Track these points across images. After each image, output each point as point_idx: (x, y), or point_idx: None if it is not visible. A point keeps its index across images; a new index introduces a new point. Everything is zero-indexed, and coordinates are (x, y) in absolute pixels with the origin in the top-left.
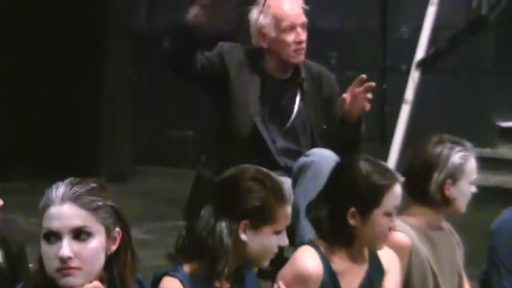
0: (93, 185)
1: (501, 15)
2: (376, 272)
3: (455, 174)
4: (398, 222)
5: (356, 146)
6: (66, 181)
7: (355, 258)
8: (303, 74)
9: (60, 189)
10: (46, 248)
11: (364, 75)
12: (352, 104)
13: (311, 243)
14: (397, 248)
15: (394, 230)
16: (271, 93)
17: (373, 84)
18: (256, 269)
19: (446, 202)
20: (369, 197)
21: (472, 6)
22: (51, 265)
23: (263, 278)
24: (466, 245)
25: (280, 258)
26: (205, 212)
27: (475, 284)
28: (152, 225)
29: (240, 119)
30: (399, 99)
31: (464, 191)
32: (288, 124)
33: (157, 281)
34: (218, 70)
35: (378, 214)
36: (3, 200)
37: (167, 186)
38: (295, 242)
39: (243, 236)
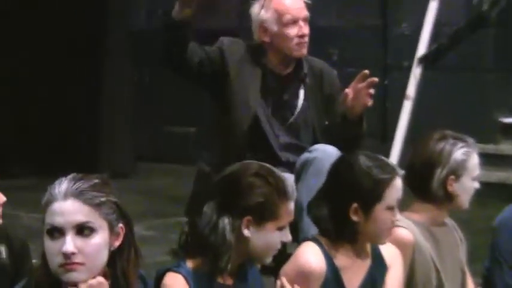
0: (96, 180)
1: (502, 11)
2: (378, 267)
3: (457, 171)
4: (401, 218)
5: (357, 142)
6: (69, 177)
7: (358, 254)
8: (305, 69)
9: (63, 185)
10: (49, 244)
11: (366, 71)
12: (354, 100)
13: (314, 239)
14: (400, 244)
15: (397, 223)
16: (273, 88)
17: (375, 79)
18: (259, 265)
19: (449, 198)
20: (371, 192)
21: (473, 3)
22: (55, 261)
23: (266, 274)
24: (469, 241)
25: (283, 255)
26: (208, 208)
27: (478, 280)
28: (155, 221)
29: (240, 113)
30: (401, 96)
31: (466, 187)
32: (292, 119)
33: (160, 277)
34: (218, 66)
35: (380, 209)
36: (6, 196)
37: (169, 183)
38: (298, 238)
39: (246, 232)
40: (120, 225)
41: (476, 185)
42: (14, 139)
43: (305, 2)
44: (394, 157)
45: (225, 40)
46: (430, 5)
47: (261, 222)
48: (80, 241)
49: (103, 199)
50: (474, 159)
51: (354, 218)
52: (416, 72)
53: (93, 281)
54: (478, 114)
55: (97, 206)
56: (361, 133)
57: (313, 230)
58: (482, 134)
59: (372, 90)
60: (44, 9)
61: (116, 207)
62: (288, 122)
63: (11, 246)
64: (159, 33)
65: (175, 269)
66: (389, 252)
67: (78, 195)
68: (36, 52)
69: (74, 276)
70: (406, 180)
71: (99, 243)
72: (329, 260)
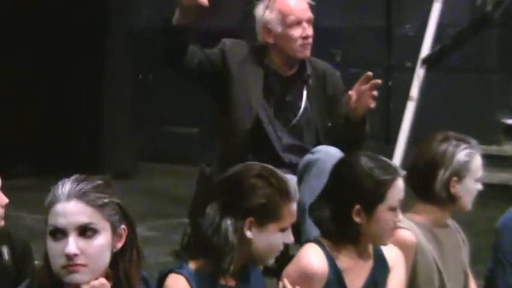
0: (99, 182)
1: (505, 12)
2: (380, 269)
3: (460, 172)
4: (404, 219)
5: (360, 144)
6: (72, 178)
7: (360, 255)
8: (309, 71)
9: (66, 186)
10: (52, 245)
11: (370, 73)
12: (357, 102)
13: (316, 240)
14: (403, 246)
15: (399, 225)
16: (275, 89)
17: (379, 81)
18: (261, 267)
19: (451, 200)
20: (373, 193)
21: (476, 3)
22: (57, 262)
23: (268, 275)
24: (471, 242)
25: (286, 256)
26: (211, 210)
27: (480, 281)
28: (157, 222)
29: (242, 115)
30: (404, 97)
31: (469, 189)
32: (294, 121)
33: (162, 278)
34: (219, 67)
35: (382, 209)
36: (8, 197)
37: (171, 184)
38: (301, 239)
39: (248, 234)
40: (123, 226)
41: (479, 186)
42: (14, 139)
43: (309, 3)
44: (398, 158)
45: (227, 42)
46: (434, 6)
47: (263, 224)
48: (82, 242)
49: (106, 200)
50: (477, 161)
51: (357, 219)
52: (419, 73)
53: (95, 283)
54: (481, 116)
55: (100, 207)
56: (364, 135)
57: (315, 231)
58: (485, 135)
59: (375, 93)
60: (44, 9)
61: (119, 208)
62: (291, 123)
63: (13, 247)
64: (160, 34)
65: (178, 270)
66: (391, 253)
67: (81, 196)
68: (36, 52)
69: (76, 277)
70: (409, 181)
71: (102, 244)
72: (331, 261)
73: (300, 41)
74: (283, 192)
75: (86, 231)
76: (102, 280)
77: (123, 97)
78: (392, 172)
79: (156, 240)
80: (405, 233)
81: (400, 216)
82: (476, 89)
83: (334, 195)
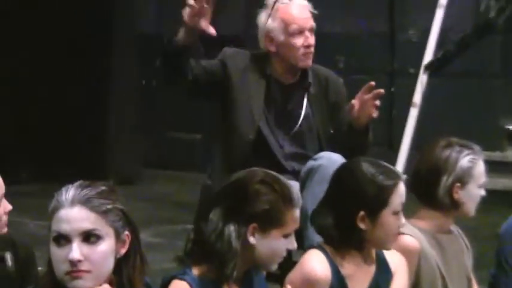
0: (103, 188)
1: (509, 18)
2: (383, 274)
3: (463, 178)
4: (407, 225)
5: (363, 151)
6: (76, 184)
7: (363, 260)
8: (310, 79)
9: (69, 192)
10: (55, 251)
11: (372, 82)
12: (360, 111)
13: (319, 247)
14: (406, 252)
15: (403, 231)
16: (277, 98)
17: (381, 91)
18: (264, 273)
19: (455, 206)
20: (377, 199)
21: (480, 9)
22: (61, 268)
23: (271, 281)
24: (475, 248)
25: (289, 262)
26: (214, 216)
27: (484, 287)
28: (160, 228)
29: (243, 124)
30: (407, 103)
31: (473, 195)
32: (295, 128)
33: (166, 284)
34: (219, 77)
35: (386, 214)
36: (11, 203)
37: (175, 190)
38: (304, 245)
39: (252, 240)
40: (126, 232)
41: (482, 192)
42: (17, 144)
43: (311, 12)
44: (401, 164)
45: (227, 51)
46: (437, 12)
47: (266, 230)
48: (86, 248)
49: (110, 206)
50: (480, 167)
51: (361, 225)
52: (422, 79)
53: None
54: (484, 122)
55: (104, 214)
56: (367, 143)
57: (318, 237)
58: (488, 141)
59: (377, 102)
60: (44, 9)
61: (122, 214)
62: (292, 131)
63: (17, 253)
64: (168, 37)
65: (181, 276)
66: (393, 258)
67: (85, 202)
68: (36, 53)
69: (80, 283)
70: (412, 187)
71: (106, 250)
72: (334, 267)
73: (302, 50)
74: (287, 198)
75: (89, 237)
76: (106, 286)
77: (130, 101)
78: (395, 177)
79: (160, 246)
80: (408, 239)
81: (404, 221)
82: (480, 95)
83: (337, 202)
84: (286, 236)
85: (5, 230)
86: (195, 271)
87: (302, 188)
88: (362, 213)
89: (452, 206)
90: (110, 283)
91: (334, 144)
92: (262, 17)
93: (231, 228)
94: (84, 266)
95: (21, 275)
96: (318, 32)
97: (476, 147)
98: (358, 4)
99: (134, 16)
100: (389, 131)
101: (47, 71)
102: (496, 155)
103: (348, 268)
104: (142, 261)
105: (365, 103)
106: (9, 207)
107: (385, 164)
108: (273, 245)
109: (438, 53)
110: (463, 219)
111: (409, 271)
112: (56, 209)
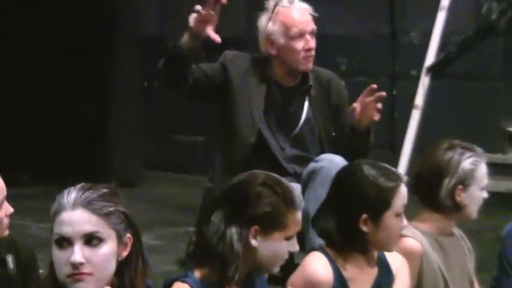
0: (105, 190)
1: (510, 20)
2: (385, 276)
3: (466, 180)
4: (409, 228)
5: (365, 153)
6: (78, 186)
7: (365, 263)
8: (311, 81)
9: (71, 195)
10: (57, 254)
11: (374, 85)
12: (361, 114)
13: (321, 249)
14: (408, 254)
15: (405, 233)
16: (277, 100)
17: (383, 94)
18: (266, 275)
19: (457, 208)
20: (380, 202)
21: (481, 11)
22: (63, 271)
23: (273, 284)
24: (477, 250)
25: (291, 264)
26: (216, 218)
27: None
28: (162, 231)
29: (244, 127)
30: (409, 105)
31: (475, 197)
32: (296, 131)
33: (167, 286)
34: (219, 80)
35: (389, 216)
36: (13, 205)
37: (177, 192)
38: (306, 247)
39: (254, 242)
40: (128, 235)
41: (485, 194)
42: (20, 147)
43: (312, 15)
44: (403, 166)
45: (228, 55)
46: (439, 14)
47: (268, 232)
48: (88, 251)
49: (111, 209)
50: (482, 169)
51: (364, 228)
52: (424, 81)
53: None
54: (486, 124)
55: (105, 216)
56: (369, 145)
57: (319, 239)
58: (490, 144)
59: (379, 105)
60: (44, 9)
61: (124, 217)
62: (293, 133)
63: (18, 256)
64: (170, 39)
65: (183, 278)
66: (395, 260)
67: (86, 205)
68: (36, 54)
69: (82, 286)
70: (414, 190)
71: (108, 253)
72: (336, 270)
73: (302, 54)
74: (288, 201)
75: (91, 239)
76: None
77: (131, 103)
78: (396, 178)
79: (162, 248)
80: (411, 242)
81: (406, 223)
82: (481, 97)
83: (339, 205)
84: (288, 239)
85: (7, 232)
86: (197, 273)
87: (304, 190)
88: (365, 216)
89: (454, 209)
90: (112, 286)
91: (336, 146)
92: (263, 20)
93: (233, 231)
94: (86, 269)
95: (23, 278)
96: (319, 34)
97: (479, 150)
98: (360, 6)
99: (135, 17)
100: (392, 134)
101: (48, 74)
102: (498, 157)
103: (350, 270)
104: (144, 264)
105: (366, 106)
106: (11, 209)
107: (386, 165)
108: (274, 247)
109: (440, 55)
110: (465, 221)
111: (411, 274)
112: (58, 211)
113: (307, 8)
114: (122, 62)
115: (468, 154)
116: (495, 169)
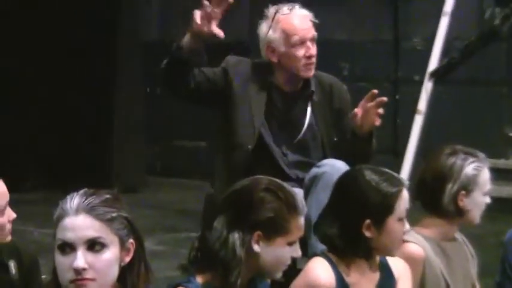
0: (107, 196)
1: None
2: (387, 280)
3: (468, 186)
4: (412, 233)
5: (367, 158)
6: (81, 192)
7: (368, 267)
8: (313, 87)
9: (74, 200)
10: (60, 259)
11: (375, 90)
12: (363, 119)
13: (323, 254)
14: (411, 259)
15: (408, 238)
16: (279, 106)
17: (384, 99)
18: (269, 280)
19: (459, 213)
20: (383, 207)
21: (484, 17)
22: (65, 276)
23: None
24: (480, 256)
25: (293, 270)
26: (218, 223)
27: None
28: (165, 236)
29: (244, 132)
30: (412, 110)
31: (477, 202)
32: (299, 137)
33: None
34: (220, 86)
35: (392, 221)
36: (16, 210)
37: (179, 198)
38: (308, 253)
39: (256, 247)
40: (131, 240)
41: (487, 200)
42: (22, 154)
43: (313, 22)
44: (406, 172)
45: (230, 60)
46: (442, 19)
47: (271, 237)
48: (91, 257)
49: (114, 214)
50: (485, 174)
51: (367, 233)
52: (427, 86)
53: None
54: (489, 129)
55: (108, 222)
56: (371, 150)
57: (322, 245)
58: (493, 149)
59: (380, 110)
60: (44, 9)
61: (127, 222)
62: (296, 139)
63: (21, 261)
64: (175, 43)
65: (185, 284)
66: (397, 264)
67: (89, 210)
68: (36, 54)
69: None
70: (417, 195)
71: (110, 258)
72: (338, 275)
73: (303, 61)
74: (291, 206)
75: (94, 245)
76: None
77: (134, 108)
78: (398, 183)
79: (164, 254)
80: (413, 247)
81: (408, 228)
82: (484, 102)
83: (341, 211)
84: (290, 244)
85: (9, 238)
86: (199, 279)
87: (306, 195)
88: (368, 221)
89: (457, 214)
90: None
91: (338, 151)
92: (263, 28)
93: (236, 236)
94: (88, 274)
95: (25, 283)
96: (322, 40)
97: (481, 155)
98: (363, 11)
99: (137, 19)
100: (395, 139)
101: (48, 74)
102: (501, 163)
103: (352, 276)
104: (146, 269)
105: (368, 111)
106: (14, 215)
107: (388, 170)
108: (277, 252)
109: (443, 60)
110: (468, 227)
111: (414, 279)
112: (61, 217)
113: (307, 15)
114: (125, 68)
115: (471, 159)
116: (498, 174)
